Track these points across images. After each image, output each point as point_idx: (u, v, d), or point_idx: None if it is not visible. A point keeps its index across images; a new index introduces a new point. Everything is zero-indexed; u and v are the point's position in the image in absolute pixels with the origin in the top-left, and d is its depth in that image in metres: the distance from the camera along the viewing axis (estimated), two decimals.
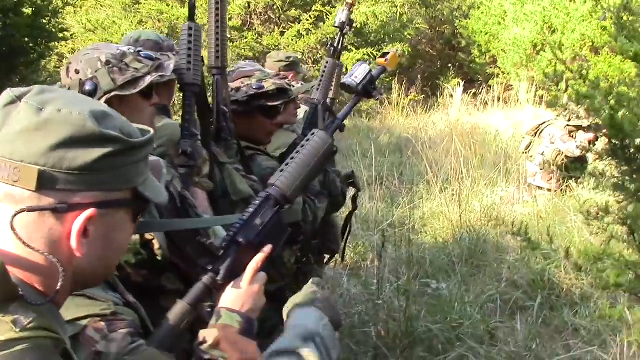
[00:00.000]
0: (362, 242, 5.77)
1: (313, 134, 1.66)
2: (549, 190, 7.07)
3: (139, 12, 13.07)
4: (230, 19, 13.31)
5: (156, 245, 1.71)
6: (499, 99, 13.39)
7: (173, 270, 1.77)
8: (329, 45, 3.00)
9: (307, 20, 13.51)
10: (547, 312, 4.46)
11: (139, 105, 1.88)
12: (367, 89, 1.98)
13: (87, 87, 1.78)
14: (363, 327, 4.23)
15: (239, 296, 1.48)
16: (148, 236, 1.71)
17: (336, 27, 2.92)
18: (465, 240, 5.59)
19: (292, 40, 13.48)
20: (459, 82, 14.33)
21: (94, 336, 1.27)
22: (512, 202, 7.11)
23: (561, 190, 7.01)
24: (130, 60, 1.84)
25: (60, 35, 6.48)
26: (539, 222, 5.80)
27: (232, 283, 1.49)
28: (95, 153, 0.96)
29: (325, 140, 1.66)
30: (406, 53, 14.44)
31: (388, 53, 2.13)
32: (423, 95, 14.66)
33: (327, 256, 3.37)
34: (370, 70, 2.00)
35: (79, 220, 0.96)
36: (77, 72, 1.81)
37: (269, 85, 2.63)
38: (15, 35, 5.61)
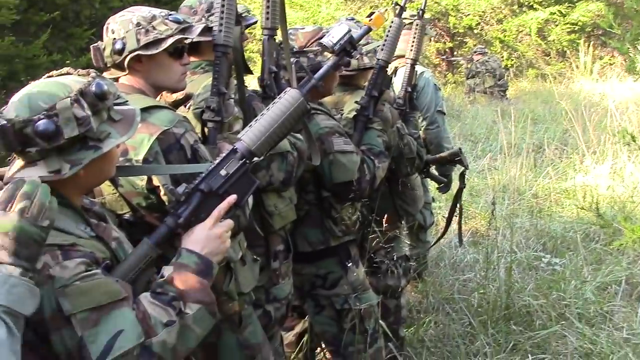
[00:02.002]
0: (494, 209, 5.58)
1: (285, 92, 1.74)
2: None
3: None
4: None
5: (162, 191, 1.92)
6: None
7: None
8: (394, 4, 2.96)
9: None
10: None
11: (166, 64, 2.08)
12: (346, 49, 1.98)
13: (117, 45, 2.01)
14: (466, 294, 4.18)
15: (199, 239, 1.64)
16: (155, 182, 1.92)
17: None
18: (608, 216, 5.15)
19: (473, 0, 13.03)
20: None
21: (49, 262, 1.44)
22: None
23: None
24: (157, 22, 2.03)
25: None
26: None
27: (196, 227, 1.66)
28: None
29: (296, 99, 1.73)
30: (604, 12, 13.21)
31: (374, 13, 2.11)
32: (620, 58, 13.35)
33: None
34: (349, 31, 2.00)
35: None
36: (112, 31, 2.03)
37: None
38: None
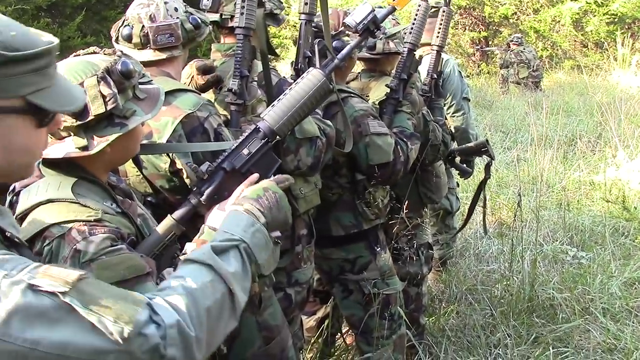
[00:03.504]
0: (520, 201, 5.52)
1: (308, 72, 1.76)
2: None
3: None
4: None
5: (185, 174, 1.95)
6: None
7: None
8: None
9: None
10: None
11: None
12: (369, 29, 1.98)
13: (193, 21, 2.10)
14: (490, 285, 4.16)
15: (221, 217, 1.64)
16: (178, 165, 1.96)
17: None
18: (637, 210, 5.06)
19: None
20: None
21: (76, 237, 1.47)
22: None
23: None
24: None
25: None
26: None
27: (218, 205, 1.68)
28: None
29: (319, 79, 1.75)
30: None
31: None
32: None
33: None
34: (373, 10, 2.00)
35: None
36: (176, 9, 2.09)
37: None
38: None
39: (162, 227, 1.66)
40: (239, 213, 1.48)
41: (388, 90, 2.91)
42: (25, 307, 1.02)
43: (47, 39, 1.19)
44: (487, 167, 3.79)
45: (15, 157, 1.20)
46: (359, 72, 3.16)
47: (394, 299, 2.95)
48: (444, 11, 3.20)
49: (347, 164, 2.80)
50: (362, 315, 2.92)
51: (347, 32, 2.71)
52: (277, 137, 1.76)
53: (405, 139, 2.83)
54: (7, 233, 1.20)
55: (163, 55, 2.07)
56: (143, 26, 2.05)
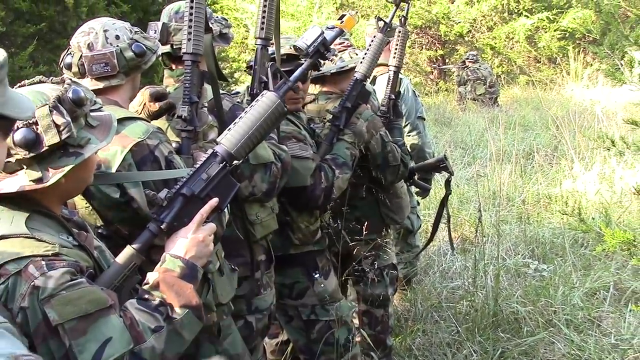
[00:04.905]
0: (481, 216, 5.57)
1: (262, 94, 1.76)
2: None
3: None
4: None
5: (136, 204, 1.91)
6: None
7: None
8: (376, 19, 2.97)
9: None
10: None
11: None
12: (319, 51, 2.01)
13: (136, 48, 2.03)
14: (455, 301, 4.17)
15: (183, 244, 1.65)
16: (129, 196, 1.91)
17: (390, 2, 2.88)
18: (594, 221, 5.14)
19: (463, 8, 13.07)
20: None
21: (34, 273, 1.43)
22: None
23: None
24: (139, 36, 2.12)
25: None
26: None
27: (179, 232, 1.66)
28: None
29: (273, 101, 1.75)
30: (591, 18, 13.30)
31: (345, 15, 2.16)
32: (607, 65, 13.37)
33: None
34: (322, 33, 2.03)
35: None
36: (117, 37, 2.03)
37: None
38: None
39: (121, 258, 1.63)
40: None
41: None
42: None
43: None
44: (447, 183, 3.82)
45: None
46: (316, 95, 3.15)
47: (337, 324, 2.90)
48: (399, 32, 3.22)
49: None
50: (304, 341, 2.89)
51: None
52: (235, 160, 1.74)
53: (335, 167, 2.80)
54: None
55: (100, 85, 2.02)
56: (81, 55, 2.02)
